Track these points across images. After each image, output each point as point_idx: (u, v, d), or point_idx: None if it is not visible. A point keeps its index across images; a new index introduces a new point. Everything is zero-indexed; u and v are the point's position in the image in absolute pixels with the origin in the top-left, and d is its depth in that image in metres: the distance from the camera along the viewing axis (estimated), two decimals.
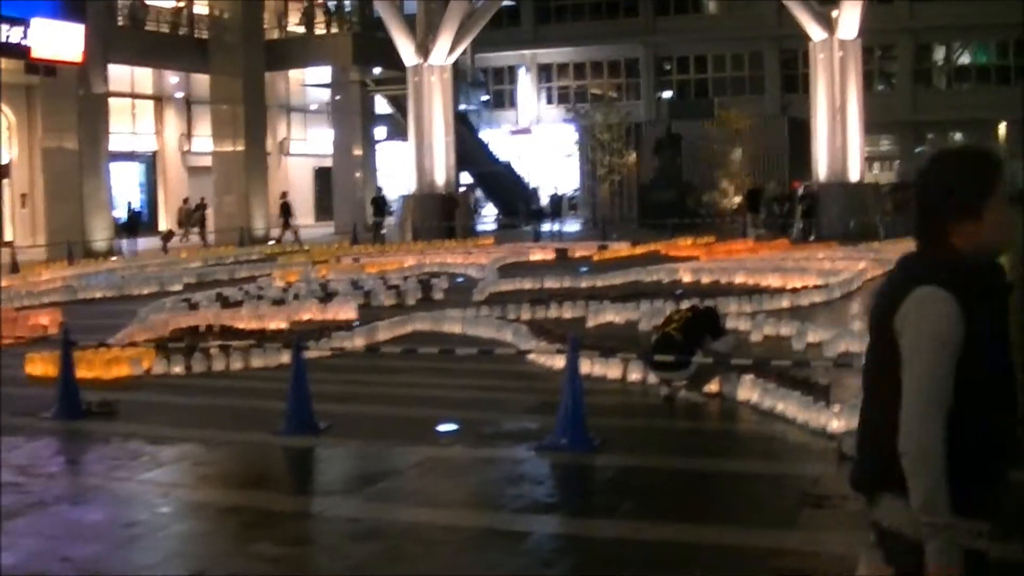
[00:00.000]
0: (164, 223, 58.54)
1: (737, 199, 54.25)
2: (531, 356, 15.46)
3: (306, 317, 20.92)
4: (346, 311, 21.15)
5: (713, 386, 12.58)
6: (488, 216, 65.89)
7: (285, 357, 15.67)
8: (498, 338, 17.46)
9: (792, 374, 12.46)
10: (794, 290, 22.53)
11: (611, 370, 13.88)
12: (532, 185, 61.23)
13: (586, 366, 13.87)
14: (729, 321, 18.02)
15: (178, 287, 27.83)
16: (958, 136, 74.79)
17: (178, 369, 15.53)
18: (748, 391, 12.18)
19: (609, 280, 25.90)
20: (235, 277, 30.04)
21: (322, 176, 66.87)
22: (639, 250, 35.89)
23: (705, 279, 26.06)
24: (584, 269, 29.50)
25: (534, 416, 11.93)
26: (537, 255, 35.37)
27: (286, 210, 48.60)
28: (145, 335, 18.01)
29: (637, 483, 9.57)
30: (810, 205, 41.89)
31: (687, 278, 26.28)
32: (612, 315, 19.59)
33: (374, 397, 13.47)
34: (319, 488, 10.03)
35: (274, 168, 66.32)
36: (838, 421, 10.65)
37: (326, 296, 23.30)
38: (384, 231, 48.41)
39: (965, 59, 73.85)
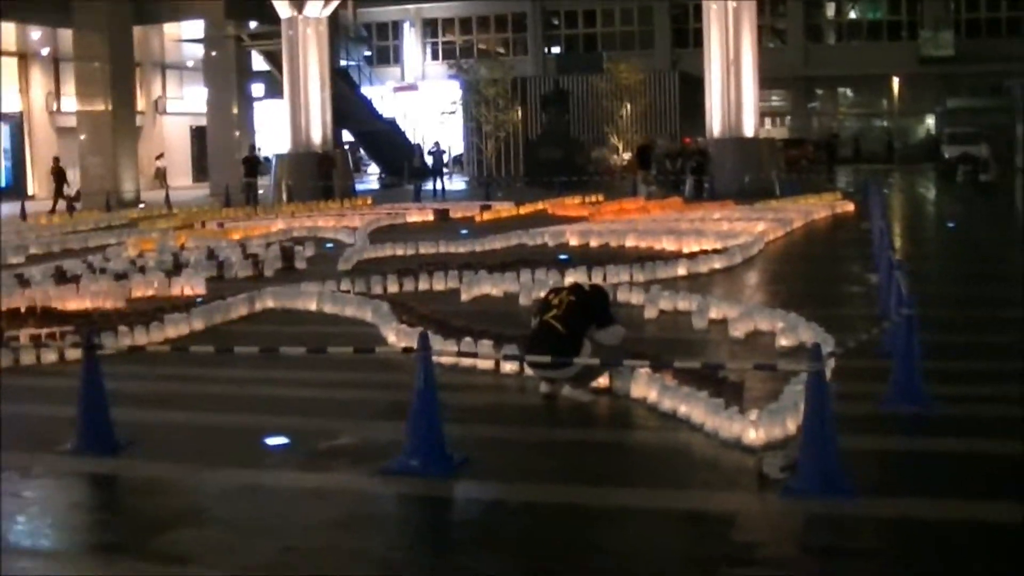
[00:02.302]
0: (32, 187, 55.90)
1: (627, 156, 52.79)
2: (390, 339, 13.35)
3: (149, 293, 18.61)
4: (194, 286, 18.83)
5: (603, 381, 10.49)
6: (373, 175, 63.72)
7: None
8: (358, 316, 15.34)
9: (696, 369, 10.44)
10: (691, 255, 20.52)
11: (482, 359, 11.73)
12: (414, 142, 58.76)
13: (451, 355, 11.82)
14: (620, 293, 16.08)
15: (20, 259, 25.15)
16: (849, 92, 73.95)
17: None
18: (644, 388, 10.07)
19: (490, 244, 23.99)
20: (88, 246, 27.48)
21: (201, 136, 64.30)
22: (524, 210, 34.06)
23: (593, 242, 24.20)
24: (464, 232, 27.45)
25: (384, 423, 9.66)
26: (415, 217, 33.21)
27: (60, 177, 45.10)
28: None
29: (502, 528, 7.34)
30: (700, 162, 40.42)
31: (574, 242, 24.40)
32: (489, 287, 17.51)
33: (197, 398, 11.13)
34: (91, 539, 7.61)
35: (149, 128, 63.82)
36: (756, 431, 8.61)
37: (176, 268, 20.94)
38: (261, 192, 45.98)
39: (856, 14, 72.69)
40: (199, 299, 17.27)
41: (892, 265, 12.43)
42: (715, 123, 41.40)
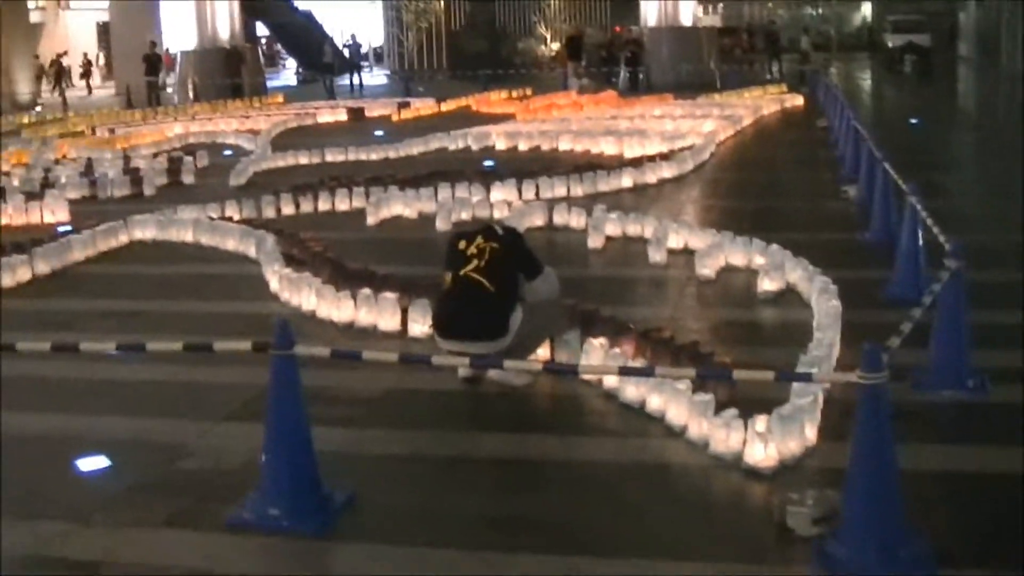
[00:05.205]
0: None
1: (556, 47, 50.28)
2: (271, 286, 10.66)
3: (3, 222, 15.70)
4: (56, 211, 15.95)
5: (542, 353, 7.86)
6: (291, 70, 60.65)
7: None
8: (240, 251, 12.66)
9: (665, 336, 7.89)
10: (635, 162, 17.89)
11: (385, 318, 9.09)
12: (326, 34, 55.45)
13: (346, 310, 9.22)
14: (556, 215, 13.54)
15: None
16: None
17: None
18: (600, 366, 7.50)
19: (406, 150, 21.39)
20: None
21: (108, 32, 60.65)
22: (446, 107, 31.39)
23: (523, 145, 21.68)
24: (379, 134, 24.74)
25: (254, 425, 6.54)
26: (327, 117, 30.38)
27: None
28: None
29: None
30: (634, 52, 37.96)
31: (501, 145, 21.87)
32: (401, 207, 14.83)
33: (15, 389, 8.03)
34: None
35: (51, 25, 60.34)
36: (764, 446, 6.04)
37: (42, 187, 18.07)
38: (170, 91, 42.91)
39: None
40: (60, 228, 14.48)
41: (903, 189, 9.82)
42: (650, 11, 38.76)
